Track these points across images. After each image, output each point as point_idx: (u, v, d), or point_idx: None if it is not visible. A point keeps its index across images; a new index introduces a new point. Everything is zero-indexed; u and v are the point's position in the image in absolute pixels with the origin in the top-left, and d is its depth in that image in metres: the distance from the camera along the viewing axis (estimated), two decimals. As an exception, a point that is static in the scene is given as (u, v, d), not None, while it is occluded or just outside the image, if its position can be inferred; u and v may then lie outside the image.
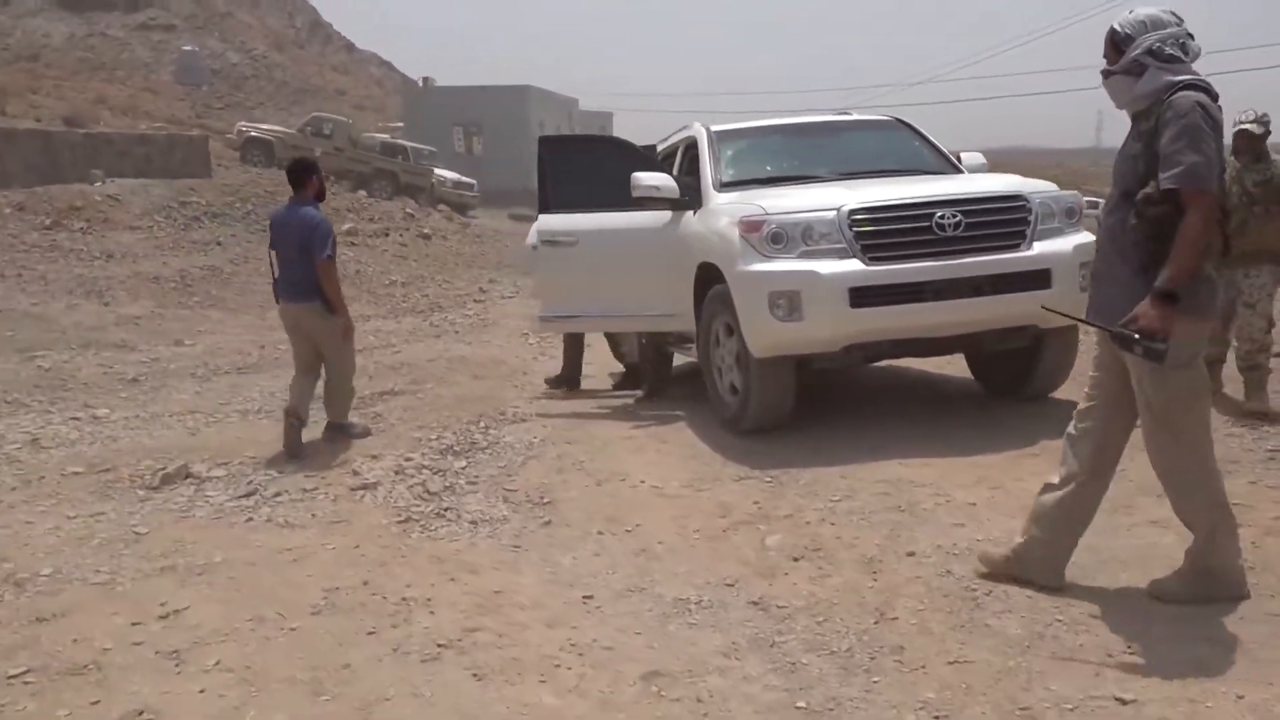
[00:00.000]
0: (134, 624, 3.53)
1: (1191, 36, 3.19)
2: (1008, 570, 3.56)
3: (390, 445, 6.12)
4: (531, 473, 5.47)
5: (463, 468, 5.60)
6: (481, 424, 6.53)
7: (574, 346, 7.92)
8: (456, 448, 6.00)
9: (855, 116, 7.36)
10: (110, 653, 3.30)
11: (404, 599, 3.66)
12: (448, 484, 5.29)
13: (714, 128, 6.92)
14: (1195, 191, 3.01)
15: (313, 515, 4.81)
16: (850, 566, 3.83)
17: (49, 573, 4.08)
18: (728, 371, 5.95)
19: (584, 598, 3.69)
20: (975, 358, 6.45)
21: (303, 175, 6.24)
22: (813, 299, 5.20)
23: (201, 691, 3.06)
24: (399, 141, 27.97)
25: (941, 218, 5.23)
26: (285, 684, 3.09)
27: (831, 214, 5.30)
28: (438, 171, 26.98)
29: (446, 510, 4.87)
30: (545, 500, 4.96)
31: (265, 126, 27.41)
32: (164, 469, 5.76)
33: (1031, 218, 5.38)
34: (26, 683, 3.15)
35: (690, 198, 6.41)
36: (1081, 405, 3.49)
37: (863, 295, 5.17)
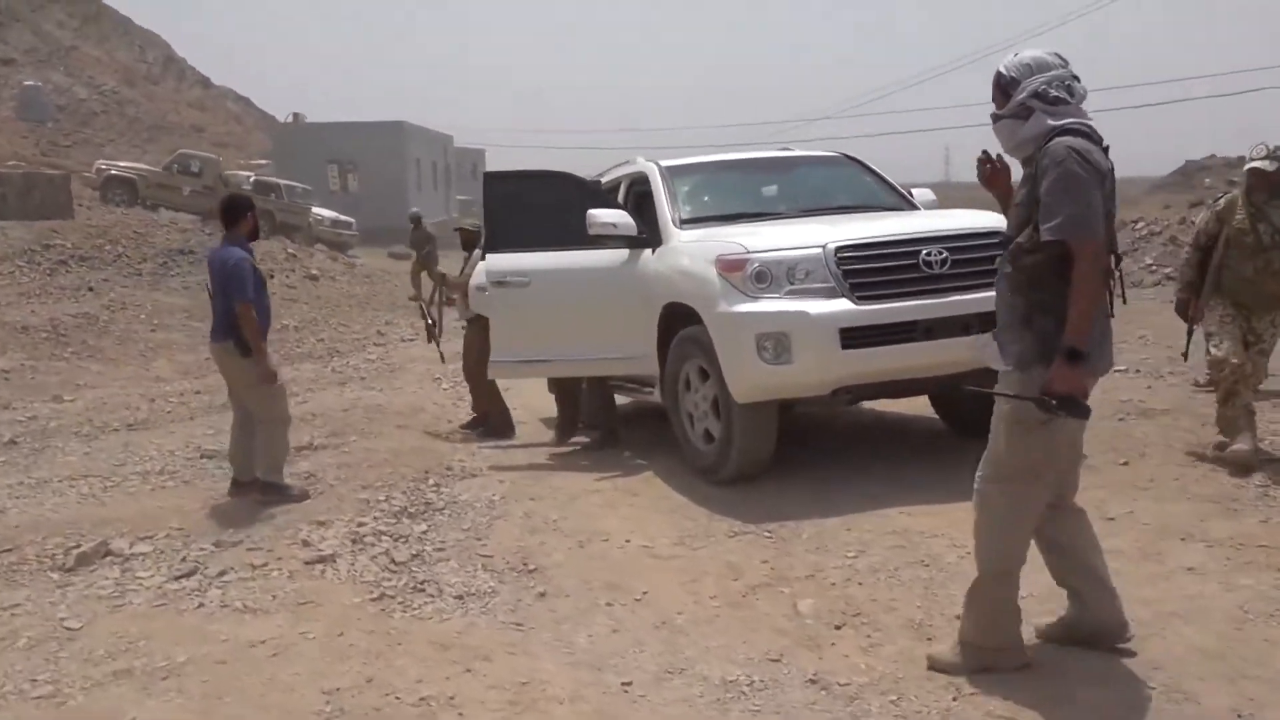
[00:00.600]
0: (101, 750, 2.96)
1: (1077, 78, 3.12)
2: (1065, 639, 3.36)
3: (335, 509, 5.57)
4: (503, 535, 5.03)
5: (424, 532, 5.13)
6: (431, 481, 6.04)
7: (490, 393, 7.61)
8: (411, 509, 5.50)
9: (803, 152, 7.21)
10: (83, 791, 2.74)
11: (422, 699, 3.20)
12: (414, 552, 4.81)
13: (664, 163, 6.65)
14: (1080, 240, 2.92)
15: (273, 597, 4.26)
16: (900, 633, 3.55)
17: (-27, 685, 3.45)
18: (702, 418, 5.64)
19: (623, 685, 3.30)
20: (942, 397, 6.33)
21: (234, 213, 5.93)
22: (802, 340, 4.96)
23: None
24: (272, 179, 26.85)
25: (928, 255, 5.08)
26: (309, 817, 2.60)
27: (817, 251, 5.08)
28: (315, 210, 25.97)
29: (424, 584, 4.39)
30: (530, 567, 4.54)
31: (126, 164, 25.90)
32: (77, 546, 5.11)
33: (1012, 254, 5.26)
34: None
35: (649, 235, 6.11)
36: None
37: (853, 336, 4.95)
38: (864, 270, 5.05)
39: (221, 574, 4.61)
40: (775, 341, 4.98)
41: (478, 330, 7.70)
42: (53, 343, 11.40)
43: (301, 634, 3.79)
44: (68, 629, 3.95)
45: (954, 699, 3.08)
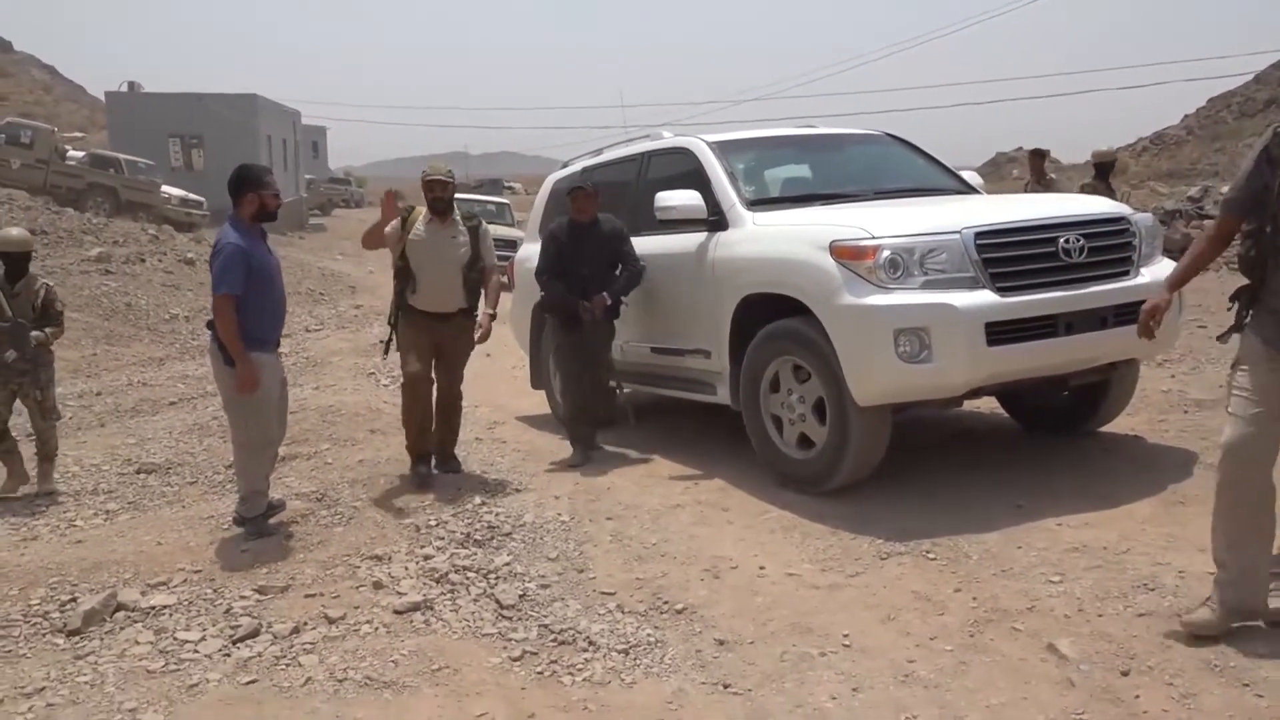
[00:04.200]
0: None
1: None
2: None
3: (381, 539, 4.73)
4: (607, 565, 4.32)
5: (508, 564, 4.35)
6: (477, 499, 5.22)
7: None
8: (477, 536, 4.71)
9: (843, 130, 6.66)
10: None
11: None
12: (520, 592, 4.04)
13: (709, 138, 6.00)
14: None
15: (393, 663, 3.43)
16: (1201, 677, 3.05)
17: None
18: (796, 422, 5.04)
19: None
20: (1016, 394, 5.91)
21: (233, 189, 4.97)
22: (945, 336, 4.42)
23: None
24: (110, 153, 24.40)
25: (1066, 242, 4.63)
26: None
27: (954, 237, 4.55)
28: (164, 188, 23.74)
29: (564, 634, 3.65)
30: (676, 606, 3.85)
31: (-60, 132, 22.95)
32: (73, 600, 4.13)
33: (1137, 241, 4.91)
34: None
35: (716, 218, 5.47)
36: None
37: (999, 331, 4.46)
38: (1004, 259, 4.56)
39: (296, 632, 3.73)
40: (915, 337, 4.43)
41: None
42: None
43: (479, 717, 3.00)
44: (144, 722, 3.03)
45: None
